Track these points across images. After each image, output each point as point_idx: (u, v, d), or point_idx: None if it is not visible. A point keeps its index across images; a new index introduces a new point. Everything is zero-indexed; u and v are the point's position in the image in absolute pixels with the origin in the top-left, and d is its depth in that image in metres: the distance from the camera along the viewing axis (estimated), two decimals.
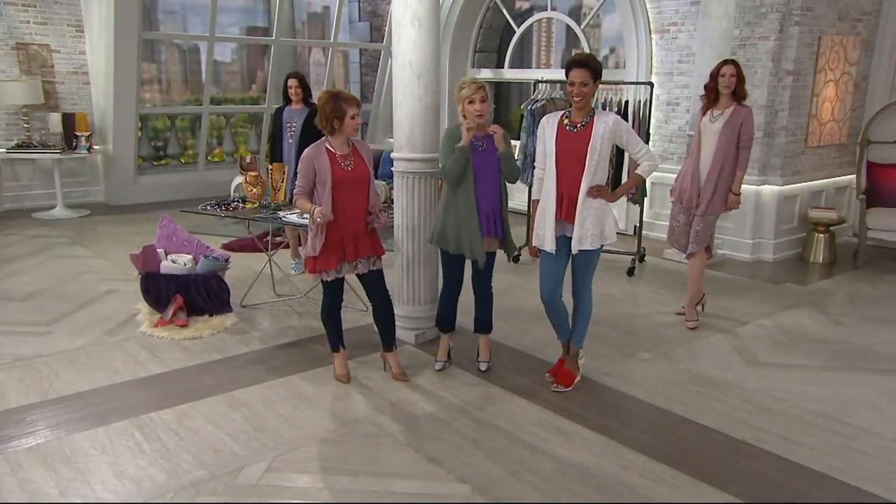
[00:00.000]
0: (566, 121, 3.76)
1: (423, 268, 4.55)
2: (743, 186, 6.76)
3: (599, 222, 3.75)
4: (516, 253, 6.65)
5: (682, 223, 5.07)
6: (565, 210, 3.76)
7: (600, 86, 6.47)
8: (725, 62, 4.82)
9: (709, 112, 4.86)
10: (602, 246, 3.84)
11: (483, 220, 3.91)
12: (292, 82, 5.89)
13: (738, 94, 4.77)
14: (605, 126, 3.68)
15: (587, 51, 8.43)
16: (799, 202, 7.00)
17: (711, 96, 4.83)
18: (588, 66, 3.64)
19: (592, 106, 3.80)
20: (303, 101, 5.88)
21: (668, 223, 5.33)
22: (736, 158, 4.82)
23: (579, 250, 3.77)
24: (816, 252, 6.83)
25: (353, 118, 3.67)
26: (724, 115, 4.77)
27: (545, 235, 3.79)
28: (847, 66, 7.04)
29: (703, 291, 5.15)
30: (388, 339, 4.10)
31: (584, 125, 3.70)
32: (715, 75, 4.79)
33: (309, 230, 3.81)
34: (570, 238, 3.78)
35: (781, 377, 4.20)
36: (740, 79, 4.74)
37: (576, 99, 3.66)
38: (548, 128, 3.80)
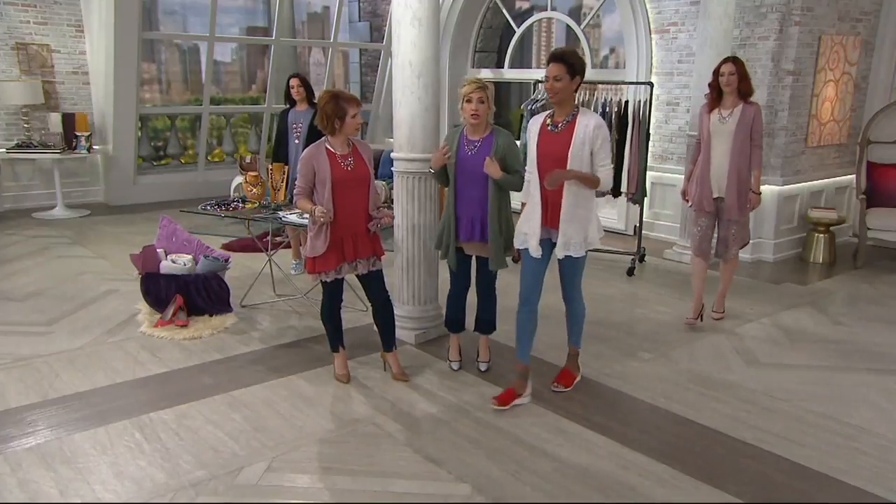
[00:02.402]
0: (549, 120, 3.61)
1: (423, 268, 4.55)
2: None
3: (583, 228, 3.64)
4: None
5: (704, 227, 4.92)
6: (550, 216, 3.63)
7: (600, 86, 6.55)
8: (725, 60, 4.70)
9: (716, 112, 4.74)
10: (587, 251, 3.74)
11: (463, 224, 3.87)
12: (294, 82, 5.89)
13: (744, 92, 4.64)
14: (586, 128, 3.51)
15: (588, 51, 8.43)
16: (799, 202, 7.00)
17: (714, 94, 4.73)
18: (563, 61, 3.46)
19: (576, 105, 3.61)
20: (307, 102, 5.88)
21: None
22: (749, 157, 4.72)
23: (565, 255, 3.67)
24: (816, 252, 6.83)
25: (353, 118, 3.67)
26: (734, 114, 4.65)
27: (530, 241, 3.66)
28: (847, 66, 7.04)
29: (703, 302, 5.06)
30: (388, 339, 4.10)
31: (565, 124, 3.54)
32: (717, 73, 4.70)
33: (309, 230, 3.81)
34: (554, 242, 3.68)
35: (781, 377, 4.20)
36: (742, 76, 4.61)
37: (549, 94, 3.52)
38: (532, 129, 3.66)
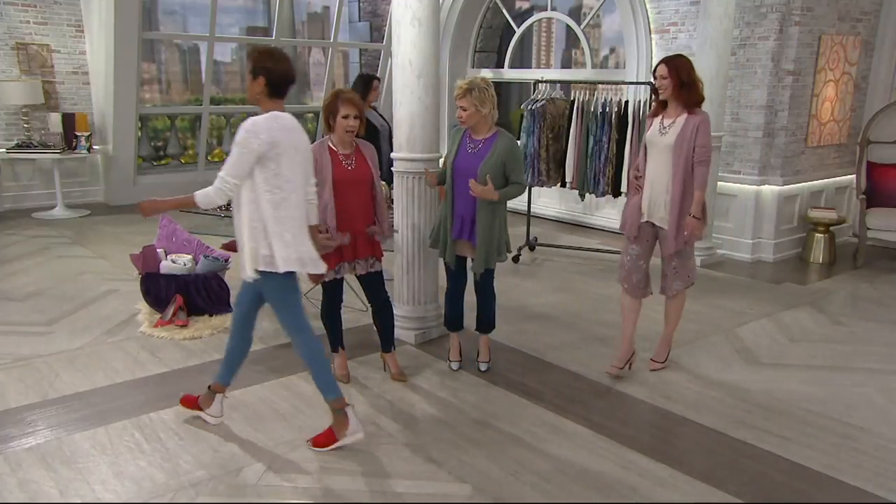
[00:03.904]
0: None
1: (423, 268, 4.55)
2: (742, 187, 6.84)
3: (243, 245, 3.10)
4: (516, 253, 6.67)
5: (634, 257, 4.07)
6: None
7: (600, 86, 6.55)
8: (661, 61, 3.85)
9: (657, 120, 3.93)
10: (279, 273, 3.08)
11: (456, 222, 3.88)
12: (377, 83, 5.69)
13: (685, 100, 3.79)
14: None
15: (588, 51, 8.43)
16: (799, 202, 7.00)
17: (657, 99, 3.93)
18: (248, 57, 3.08)
19: (268, 109, 3.10)
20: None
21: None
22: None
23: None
24: (816, 252, 6.83)
25: (344, 118, 3.59)
26: (676, 125, 3.81)
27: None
28: (847, 66, 7.04)
29: (634, 348, 4.22)
30: (386, 340, 4.10)
31: None
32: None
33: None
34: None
35: (781, 377, 4.20)
36: (682, 83, 3.76)
37: None
38: None
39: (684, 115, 3.81)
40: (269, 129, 3.00)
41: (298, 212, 3.14)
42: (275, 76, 3.06)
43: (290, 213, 3.08)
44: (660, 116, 3.93)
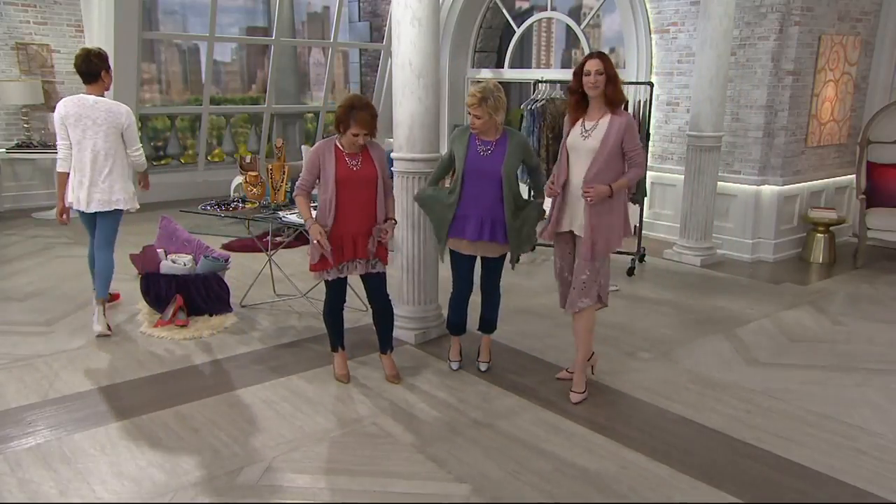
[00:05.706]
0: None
1: (423, 267, 4.55)
2: (742, 187, 6.85)
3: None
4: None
5: (566, 268, 3.88)
6: None
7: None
8: (591, 55, 3.62)
9: (578, 123, 3.69)
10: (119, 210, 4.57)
11: (473, 224, 3.85)
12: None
13: (611, 99, 3.59)
14: None
15: (588, 51, 8.43)
16: (799, 202, 7.00)
17: (577, 99, 3.68)
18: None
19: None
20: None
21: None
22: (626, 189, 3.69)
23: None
24: (816, 252, 6.83)
25: (354, 136, 3.61)
26: (600, 127, 3.60)
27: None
28: (847, 66, 7.04)
29: (593, 350, 4.06)
30: (383, 341, 4.10)
31: None
32: (579, 74, 3.61)
33: (311, 237, 3.75)
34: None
35: (781, 377, 4.20)
36: (611, 78, 3.57)
37: None
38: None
39: (608, 117, 3.60)
40: (63, 105, 4.41)
41: (89, 165, 4.42)
42: (76, 69, 4.48)
43: (79, 165, 4.42)
44: (581, 120, 3.69)
